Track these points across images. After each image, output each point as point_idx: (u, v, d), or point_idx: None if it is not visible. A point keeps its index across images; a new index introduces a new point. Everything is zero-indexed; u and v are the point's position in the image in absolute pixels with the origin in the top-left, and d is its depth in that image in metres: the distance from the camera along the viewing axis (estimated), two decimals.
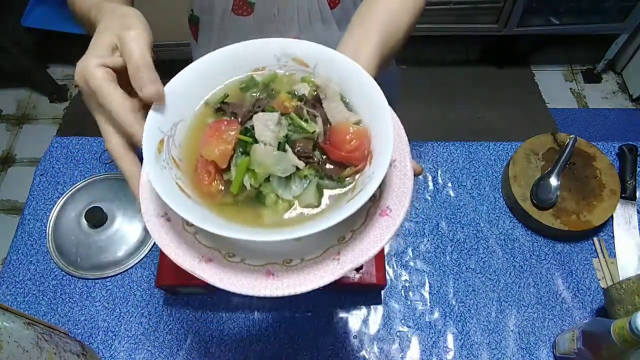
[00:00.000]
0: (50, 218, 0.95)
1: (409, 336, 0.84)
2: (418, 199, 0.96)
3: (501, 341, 0.83)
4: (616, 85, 2.28)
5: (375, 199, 0.47)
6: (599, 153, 0.95)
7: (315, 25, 0.80)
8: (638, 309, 0.70)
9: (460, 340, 0.84)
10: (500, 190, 0.97)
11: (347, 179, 0.46)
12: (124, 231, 0.92)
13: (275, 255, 0.45)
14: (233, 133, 0.45)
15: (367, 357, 0.83)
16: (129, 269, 0.90)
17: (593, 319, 0.78)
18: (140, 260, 0.90)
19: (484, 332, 0.84)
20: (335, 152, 0.46)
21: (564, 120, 2.14)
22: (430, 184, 0.98)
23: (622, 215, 0.93)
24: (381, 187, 0.47)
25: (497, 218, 0.94)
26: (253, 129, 0.45)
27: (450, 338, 0.84)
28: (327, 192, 0.46)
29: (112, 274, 0.89)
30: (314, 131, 0.46)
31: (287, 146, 0.45)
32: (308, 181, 0.45)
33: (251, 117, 0.46)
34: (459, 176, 0.99)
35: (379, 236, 0.45)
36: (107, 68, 0.45)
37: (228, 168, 0.46)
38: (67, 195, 0.97)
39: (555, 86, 2.27)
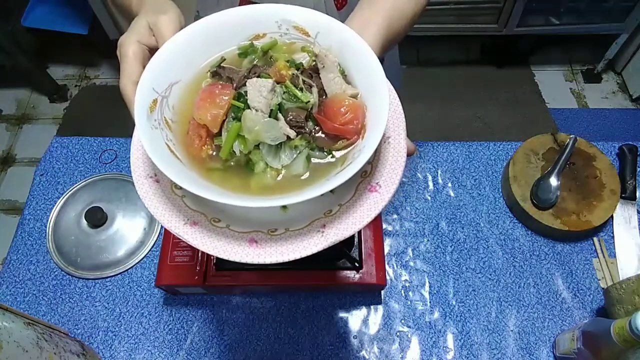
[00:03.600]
0: (50, 218, 0.95)
1: (409, 336, 0.84)
2: (418, 199, 0.96)
3: (501, 341, 0.83)
4: (616, 85, 2.27)
5: (366, 175, 0.47)
6: (599, 153, 0.95)
7: None
8: (638, 309, 0.70)
9: (460, 340, 0.84)
10: (500, 190, 0.97)
11: (338, 152, 0.46)
12: (124, 231, 0.92)
13: (260, 224, 0.45)
14: (226, 98, 0.45)
15: (367, 357, 0.83)
16: (129, 269, 0.90)
17: (593, 319, 0.78)
18: (140, 260, 0.90)
19: (484, 332, 0.84)
20: (328, 124, 0.45)
21: (564, 120, 2.13)
22: (430, 184, 0.98)
23: (622, 215, 0.93)
24: (373, 163, 0.47)
25: (497, 218, 0.94)
26: (247, 95, 0.45)
27: (450, 338, 0.84)
28: (316, 164, 0.46)
29: (112, 274, 0.89)
30: (308, 101, 0.46)
31: (279, 114, 0.45)
32: (298, 151, 0.45)
33: (246, 83, 0.46)
34: (459, 176, 0.99)
35: (366, 212, 0.44)
36: (142, 45, 0.49)
37: (220, 133, 0.45)
38: (67, 195, 0.97)
39: (555, 86, 2.27)
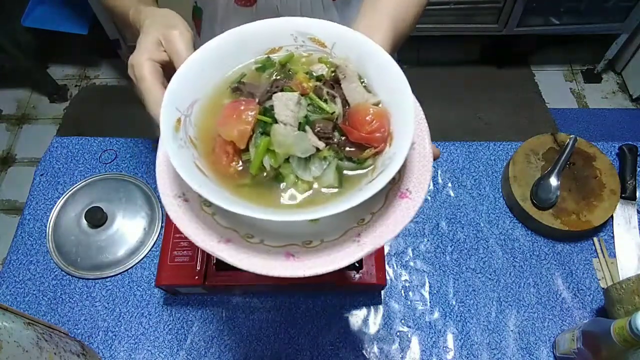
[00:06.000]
0: (50, 218, 0.95)
1: (409, 336, 0.84)
2: None
3: (501, 341, 0.83)
4: (616, 85, 2.27)
5: (395, 182, 0.47)
6: (599, 153, 0.95)
7: (317, 17, 0.81)
8: (638, 309, 0.70)
9: (460, 340, 0.84)
10: (500, 190, 0.97)
11: (366, 161, 0.46)
12: (124, 231, 0.92)
13: (294, 237, 0.45)
14: (252, 113, 0.44)
15: (367, 357, 0.83)
16: (129, 269, 0.90)
17: (593, 319, 0.78)
18: (140, 260, 0.90)
19: (484, 332, 0.84)
20: (355, 133, 0.45)
21: (564, 120, 2.13)
22: (430, 184, 0.98)
23: (622, 215, 0.93)
24: (401, 170, 0.47)
25: (497, 218, 0.94)
26: (272, 109, 0.45)
27: (450, 338, 0.84)
28: (346, 174, 0.46)
29: (112, 274, 0.89)
30: (334, 112, 0.46)
31: (307, 127, 0.45)
32: (327, 162, 0.45)
33: (269, 98, 0.46)
34: (459, 176, 0.99)
35: (399, 218, 0.44)
36: (154, 62, 0.49)
37: (247, 149, 0.45)
38: (67, 195, 0.97)
39: (555, 86, 2.27)
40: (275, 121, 0.44)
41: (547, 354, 0.82)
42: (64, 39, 2.20)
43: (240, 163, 0.45)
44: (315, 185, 0.45)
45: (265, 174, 0.45)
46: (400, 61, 1.12)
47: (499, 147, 1.02)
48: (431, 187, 0.98)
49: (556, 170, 0.92)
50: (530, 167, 0.95)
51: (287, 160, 0.45)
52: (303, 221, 0.41)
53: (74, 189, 0.97)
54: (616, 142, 1.01)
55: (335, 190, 0.45)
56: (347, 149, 0.46)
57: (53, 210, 0.95)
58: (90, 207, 0.91)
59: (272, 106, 0.45)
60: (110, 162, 1.01)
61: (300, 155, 0.44)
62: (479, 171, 0.99)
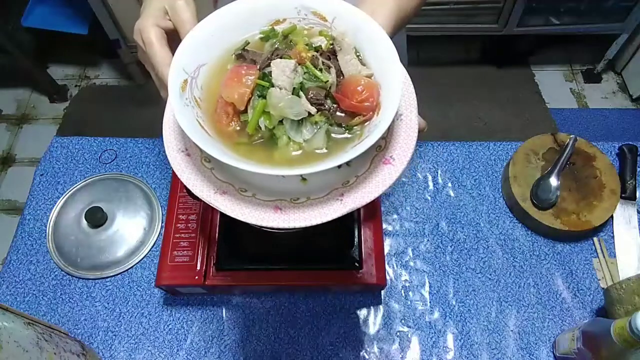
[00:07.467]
0: (50, 218, 0.95)
1: (409, 336, 0.84)
2: (418, 199, 0.97)
3: (501, 341, 0.83)
4: (616, 85, 2.27)
5: (381, 149, 0.50)
6: (599, 153, 0.95)
7: None
8: (638, 309, 0.70)
9: (460, 340, 0.84)
10: (500, 190, 0.97)
11: (355, 127, 0.49)
12: (124, 231, 0.92)
13: (283, 194, 0.49)
14: (252, 77, 0.48)
15: (367, 357, 0.83)
16: (129, 269, 0.90)
17: (593, 319, 0.78)
18: (140, 260, 0.90)
19: (484, 332, 0.84)
20: (346, 101, 0.48)
21: (564, 120, 2.13)
22: (430, 184, 0.98)
23: (622, 215, 0.93)
24: (387, 138, 0.51)
25: (497, 218, 0.94)
26: (271, 75, 0.48)
27: (450, 338, 0.84)
28: (335, 138, 0.49)
29: (112, 274, 0.89)
30: (327, 81, 0.49)
31: (301, 92, 0.48)
32: (318, 127, 0.48)
33: (269, 64, 0.49)
34: (459, 176, 0.99)
35: (381, 182, 0.48)
36: (160, 28, 0.53)
37: (245, 110, 0.49)
38: (67, 195, 0.97)
39: (555, 86, 2.27)
40: (273, 85, 0.48)
41: (547, 354, 0.82)
42: (64, 39, 2.20)
43: (239, 123, 0.49)
44: (306, 147, 0.48)
45: (260, 134, 0.49)
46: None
47: (499, 147, 1.02)
48: (431, 187, 0.98)
49: (556, 170, 0.92)
50: (530, 167, 0.95)
51: (281, 122, 0.48)
52: (293, 180, 0.46)
53: (74, 189, 0.97)
54: (616, 142, 1.01)
55: (323, 152, 0.48)
56: (338, 114, 0.50)
57: (53, 210, 0.95)
58: (90, 207, 0.91)
59: (270, 72, 0.48)
60: (110, 162, 1.01)
61: (293, 118, 0.47)
62: (479, 171, 0.99)
